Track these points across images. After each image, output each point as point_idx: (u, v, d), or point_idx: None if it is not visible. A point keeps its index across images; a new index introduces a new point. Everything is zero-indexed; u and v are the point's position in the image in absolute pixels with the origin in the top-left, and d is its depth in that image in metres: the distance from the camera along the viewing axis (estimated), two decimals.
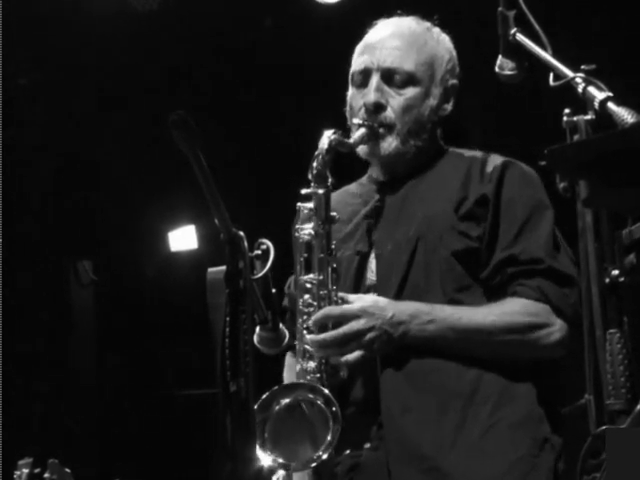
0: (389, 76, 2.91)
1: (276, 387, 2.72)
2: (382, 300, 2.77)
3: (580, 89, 2.22)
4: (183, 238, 7.30)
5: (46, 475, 3.28)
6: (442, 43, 2.99)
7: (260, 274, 2.49)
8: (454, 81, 2.99)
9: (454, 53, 3.01)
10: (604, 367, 2.10)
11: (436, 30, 3.01)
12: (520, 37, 2.42)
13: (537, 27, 2.38)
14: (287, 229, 3.06)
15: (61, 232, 7.03)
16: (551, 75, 2.30)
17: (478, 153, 2.97)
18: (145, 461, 7.05)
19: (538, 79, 2.36)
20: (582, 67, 2.26)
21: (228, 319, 2.19)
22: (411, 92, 2.91)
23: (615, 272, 2.14)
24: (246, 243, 2.25)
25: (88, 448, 7.07)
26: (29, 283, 6.97)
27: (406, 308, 2.75)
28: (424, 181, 2.95)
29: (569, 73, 2.26)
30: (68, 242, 7.24)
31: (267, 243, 2.51)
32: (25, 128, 6.20)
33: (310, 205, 2.84)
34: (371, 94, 2.90)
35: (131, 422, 7.29)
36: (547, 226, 2.82)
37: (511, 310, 2.76)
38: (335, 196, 2.89)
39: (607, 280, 2.14)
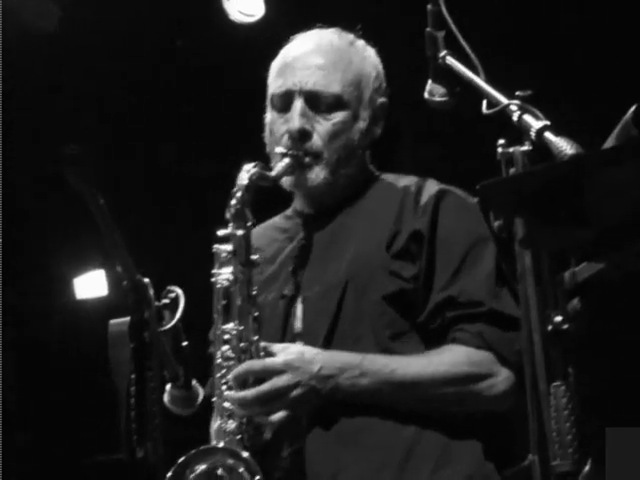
0: (314, 99, 2.84)
1: (191, 452, 2.61)
2: (309, 351, 2.70)
3: (515, 117, 2.19)
4: (91, 284, 7.19)
5: None
6: (368, 59, 2.93)
7: (169, 325, 2.46)
8: (383, 99, 2.93)
9: (380, 68, 2.95)
10: (549, 424, 2.06)
11: (360, 43, 2.95)
12: (450, 60, 2.39)
13: (468, 49, 2.35)
14: (201, 275, 2.99)
15: None
16: (484, 102, 2.27)
17: (412, 180, 2.90)
18: None
19: (472, 106, 2.33)
20: (517, 93, 2.22)
21: (133, 376, 2.15)
22: (339, 117, 2.85)
23: (558, 318, 2.10)
24: (152, 291, 2.22)
25: None
26: None
27: (335, 360, 2.68)
28: (354, 214, 2.89)
29: (503, 100, 2.23)
30: None
31: (177, 290, 2.48)
32: None
33: (228, 248, 2.76)
34: (295, 120, 2.82)
35: None
36: (487, 262, 2.76)
37: (450, 360, 2.70)
38: (258, 230, 2.83)
39: (550, 327, 2.11)
